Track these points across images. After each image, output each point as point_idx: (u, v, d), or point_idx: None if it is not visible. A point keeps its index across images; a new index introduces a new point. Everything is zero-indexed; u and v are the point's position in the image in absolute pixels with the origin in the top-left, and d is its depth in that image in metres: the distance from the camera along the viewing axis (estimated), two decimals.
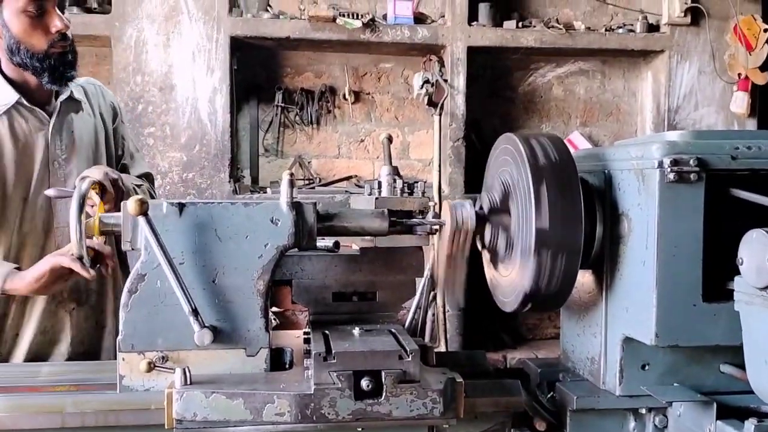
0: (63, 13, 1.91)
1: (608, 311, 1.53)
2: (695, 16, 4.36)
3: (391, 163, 1.60)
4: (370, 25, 4.05)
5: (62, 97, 1.96)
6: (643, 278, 1.39)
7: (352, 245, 1.65)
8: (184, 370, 1.28)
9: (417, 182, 1.61)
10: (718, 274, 1.37)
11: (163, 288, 1.34)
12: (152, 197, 2.17)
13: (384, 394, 1.25)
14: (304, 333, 1.59)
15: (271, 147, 4.46)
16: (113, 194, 1.71)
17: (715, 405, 1.39)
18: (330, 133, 4.50)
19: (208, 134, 4.03)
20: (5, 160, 1.89)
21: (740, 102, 4.38)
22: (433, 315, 4.18)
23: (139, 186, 2.06)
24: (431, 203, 1.56)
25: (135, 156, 2.25)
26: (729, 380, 1.48)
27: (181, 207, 1.37)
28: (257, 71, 4.38)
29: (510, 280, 1.51)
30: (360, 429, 1.30)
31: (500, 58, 4.54)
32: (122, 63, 3.95)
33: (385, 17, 4.15)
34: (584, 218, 1.40)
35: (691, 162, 1.36)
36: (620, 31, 4.39)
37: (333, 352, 1.28)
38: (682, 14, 4.31)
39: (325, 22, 4.01)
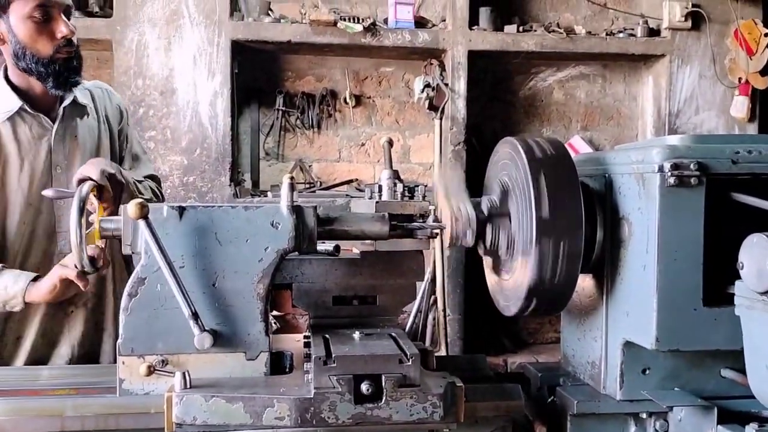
0: (69, 20, 1.92)
1: (609, 315, 1.53)
2: (696, 20, 4.37)
3: (391, 166, 1.60)
4: (371, 29, 4.05)
5: (65, 103, 1.97)
6: (644, 282, 1.39)
7: (353, 249, 1.64)
8: (183, 373, 1.28)
9: (417, 186, 1.61)
10: (718, 279, 1.37)
11: (163, 291, 1.34)
12: (159, 196, 2.18)
13: (384, 398, 1.25)
14: (305, 337, 1.59)
15: (271, 151, 4.47)
16: (111, 192, 1.70)
17: (715, 410, 1.40)
18: (331, 136, 4.51)
19: (208, 138, 4.04)
20: (9, 165, 1.91)
21: (741, 106, 4.38)
22: (434, 319, 4.18)
23: (140, 181, 2.05)
24: (431, 207, 1.56)
25: (141, 158, 2.25)
26: (730, 385, 1.47)
27: (182, 210, 1.37)
28: (258, 75, 4.39)
29: (510, 284, 1.51)
30: None
31: (501, 62, 4.54)
32: (123, 66, 3.96)
33: (386, 21, 4.16)
34: (585, 222, 1.40)
35: (692, 166, 1.36)
36: (621, 35, 4.39)
37: (333, 355, 1.28)
38: (683, 18, 4.32)
39: (326, 26, 4.02)
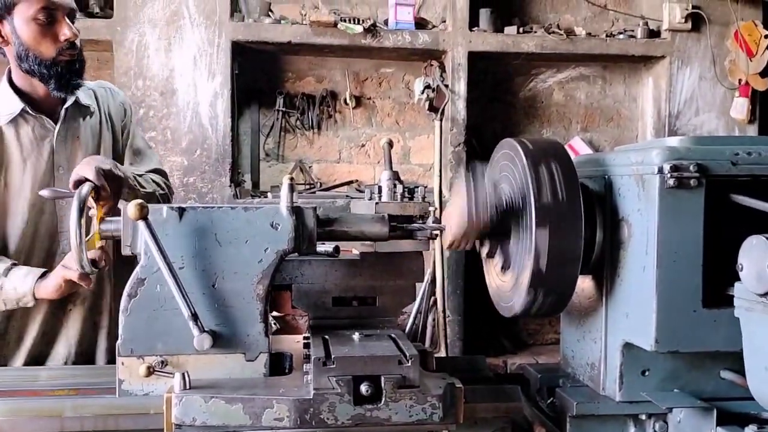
0: (73, 23, 1.93)
1: (608, 317, 1.53)
2: (696, 21, 4.37)
3: (391, 167, 1.60)
4: (372, 30, 4.06)
5: (67, 104, 1.98)
6: (643, 284, 1.39)
7: (353, 250, 1.65)
8: (183, 374, 1.28)
9: (417, 187, 1.61)
10: (718, 280, 1.37)
11: (162, 292, 1.34)
12: (165, 188, 2.18)
13: (383, 399, 1.25)
14: (304, 338, 1.59)
15: (272, 151, 4.47)
16: (108, 190, 1.68)
17: (715, 411, 1.39)
18: (331, 137, 4.51)
19: (209, 139, 4.04)
20: (11, 166, 1.93)
21: (741, 108, 4.38)
22: (434, 320, 4.18)
23: (141, 175, 2.06)
24: (431, 208, 1.56)
25: (146, 152, 2.26)
26: (729, 386, 1.47)
27: (181, 211, 1.37)
28: (258, 76, 4.39)
29: (510, 285, 1.51)
30: None
31: (501, 63, 4.54)
32: (124, 67, 3.96)
33: (386, 22, 4.16)
34: (584, 223, 1.40)
35: (691, 168, 1.36)
36: (621, 36, 4.39)
37: (332, 357, 1.28)
38: (683, 20, 4.32)
39: (327, 27, 4.02)
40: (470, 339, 4.27)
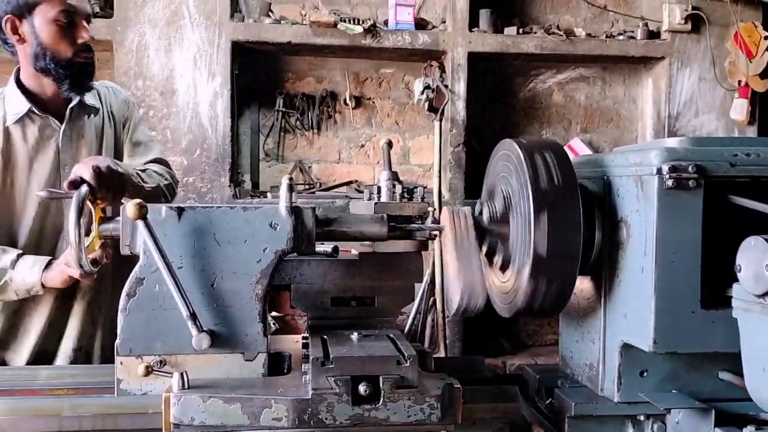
0: (88, 27, 2.01)
1: (607, 317, 1.53)
2: (696, 23, 4.37)
3: (390, 168, 1.60)
4: (371, 30, 4.06)
5: (72, 104, 2.04)
6: (642, 285, 1.39)
7: (351, 250, 1.65)
8: (181, 374, 1.28)
9: (416, 187, 1.61)
10: (716, 281, 1.37)
11: (161, 292, 1.34)
12: (168, 178, 2.20)
13: (382, 399, 1.25)
14: (303, 338, 1.59)
15: (271, 152, 4.47)
16: (106, 189, 1.68)
17: (713, 412, 1.40)
18: (330, 138, 4.51)
19: (208, 139, 4.04)
20: (18, 165, 1.98)
21: (740, 109, 4.38)
22: (433, 320, 4.18)
23: (143, 170, 2.09)
24: (430, 209, 1.56)
25: (147, 144, 2.29)
26: (727, 387, 1.47)
27: (180, 211, 1.37)
28: (258, 76, 4.39)
29: (509, 286, 1.51)
30: None
31: (501, 64, 4.54)
32: (124, 67, 3.96)
33: (386, 23, 4.16)
34: (583, 224, 1.40)
35: (690, 169, 1.36)
36: (621, 37, 4.39)
37: (331, 357, 1.28)
38: (683, 21, 4.32)
39: (327, 27, 4.02)
40: (469, 340, 4.27)
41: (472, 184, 4.16)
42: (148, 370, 1.34)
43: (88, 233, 1.48)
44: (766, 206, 1.33)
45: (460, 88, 4.18)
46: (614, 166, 1.51)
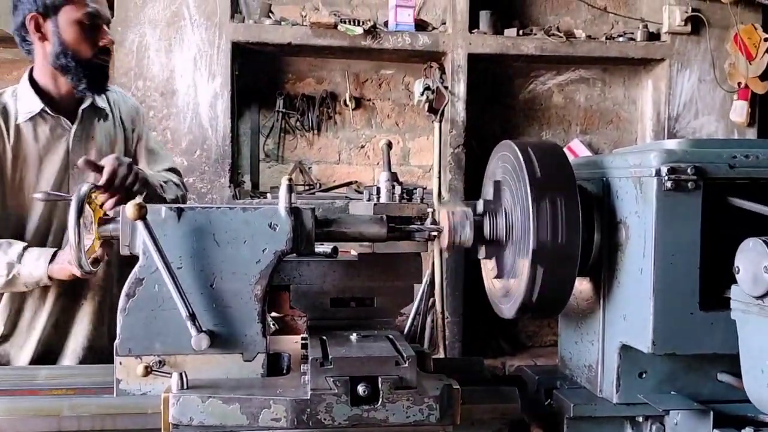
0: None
1: (606, 319, 1.53)
2: (696, 24, 4.37)
3: (390, 169, 1.60)
4: (372, 31, 4.06)
5: (84, 105, 2.09)
6: (641, 286, 1.39)
7: (351, 251, 1.65)
8: (180, 374, 1.28)
9: (416, 188, 1.61)
10: (715, 283, 1.37)
11: (160, 292, 1.35)
12: (182, 188, 2.29)
13: (380, 400, 1.25)
14: (302, 338, 1.60)
15: (271, 152, 4.47)
16: (122, 179, 1.77)
17: (711, 413, 1.40)
18: (330, 139, 4.51)
19: (208, 139, 4.04)
20: (28, 163, 2.02)
21: (740, 111, 4.38)
22: (433, 321, 4.18)
23: (165, 182, 2.16)
24: (429, 210, 1.56)
25: (160, 153, 2.36)
26: (726, 389, 1.48)
27: (180, 212, 1.37)
28: (259, 77, 4.39)
29: (508, 287, 1.51)
30: None
31: (501, 65, 4.55)
32: (124, 68, 3.97)
33: (386, 24, 4.16)
34: (582, 226, 1.40)
35: (689, 170, 1.36)
36: (621, 39, 4.39)
37: (330, 357, 1.28)
38: (683, 23, 4.32)
39: (327, 28, 4.02)
40: (469, 341, 4.27)
41: (472, 185, 4.16)
42: (148, 371, 1.34)
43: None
44: (765, 208, 1.33)
45: (460, 89, 4.18)
46: (613, 168, 1.51)
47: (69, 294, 2.06)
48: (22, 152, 2.00)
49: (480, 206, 1.58)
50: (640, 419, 1.49)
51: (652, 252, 1.37)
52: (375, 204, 1.52)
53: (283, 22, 4.11)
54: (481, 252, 1.60)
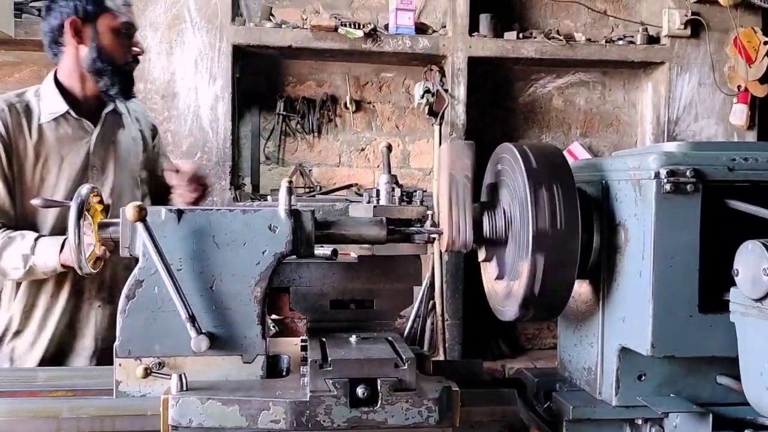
0: None
1: (605, 321, 1.53)
2: (695, 28, 4.38)
3: (390, 171, 1.60)
4: (372, 34, 4.07)
5: (107, 110, 2.18)
6: (640, 288, 1.40)
7: (351, 253, 1.65)
8: (180, 376, 1.28)
9: (416, 191, 1.61)
10: (714, 285, 1.37)
11: (160, 294, 1.35)
12: None
13: (379, 402, 1.25)
14: (302, 340, 1.60)
15: (272, 155, 4.48)
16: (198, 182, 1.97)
17: (711, 416, 1.40)
18: (331, 141, 4.52)
19: (209, 142, 4.05)
20: (49, 162, 2.08)
21: (740, 114, 4.39)
22: (432, 324, 4.18)
23: None
24: (429, 212, 1.56)
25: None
26: (725, 391, 1.47)
27: (180, 213, 1.37)
28: (259, 80, 4.40)
29: (507, 289, 1.51)
30: None
31: (501, 68, 4.55)
32: None
33: (386, 27, 4.17)
34: (581, 228, 1.41)
35: (688, 173, 1.36)
36: (620, 42, 4.40)
37: (329, 359, 1.28)
38: (683, 26, 4.33)
39: (327, 31, 4.03)
40: (469, 343, 4.27)
41: (472, 186, 4.15)
42: (147, 372, 1.34)
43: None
44: (764, 210, 1.34)
45: (460, 92, 4.19)
46: (613, 170, 1.51)
47: (81, 294, 2.10)
48: (43, 151, 2.06)
49: (480, 211, 1.58)
50: (640, 422, 1.49)
51: (651, 254, 1.37)
52: (375, 206, 1.52)
53: (283, 25, 4.11)
54: (481, 254, 1.61)
